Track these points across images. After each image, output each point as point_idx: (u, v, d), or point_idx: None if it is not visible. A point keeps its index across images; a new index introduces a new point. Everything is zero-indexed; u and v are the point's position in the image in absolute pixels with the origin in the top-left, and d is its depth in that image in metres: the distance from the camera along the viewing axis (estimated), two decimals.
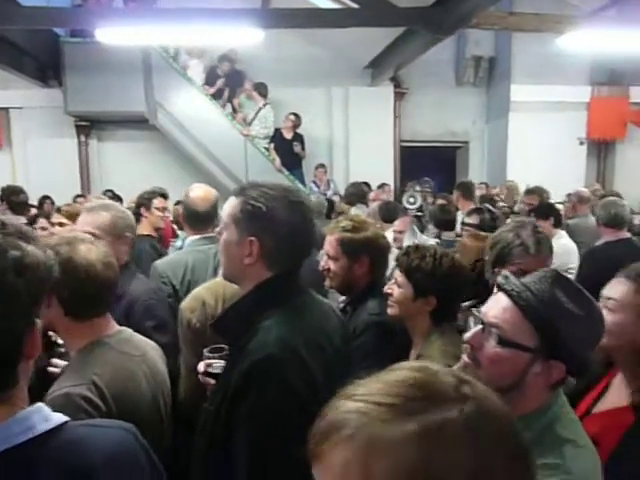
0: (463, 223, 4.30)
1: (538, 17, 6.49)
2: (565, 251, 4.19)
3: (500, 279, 1.21)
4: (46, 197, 7.18)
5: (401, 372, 0.65)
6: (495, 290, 1.24)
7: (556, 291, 1.15)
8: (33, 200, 6.46)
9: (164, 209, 3.60)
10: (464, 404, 0.62)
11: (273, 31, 6.51)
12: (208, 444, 1.35)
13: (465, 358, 1.19)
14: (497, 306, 1.18)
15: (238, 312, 1.42)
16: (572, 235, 4.58)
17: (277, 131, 8.61)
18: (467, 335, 1.20)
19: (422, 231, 4.35)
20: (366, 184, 7.17)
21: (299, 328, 1.36)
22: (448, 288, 1.90)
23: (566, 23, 6.06)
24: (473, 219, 4.21)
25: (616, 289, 1.49)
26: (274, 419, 1.24)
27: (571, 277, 3.72)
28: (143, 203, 3.54)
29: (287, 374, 1.26)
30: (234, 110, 8.73)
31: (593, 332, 1.18)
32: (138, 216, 3.53)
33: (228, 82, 8.75)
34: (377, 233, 2.28)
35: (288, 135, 8.56)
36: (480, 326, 1.19)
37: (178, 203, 4.37)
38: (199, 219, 2.60)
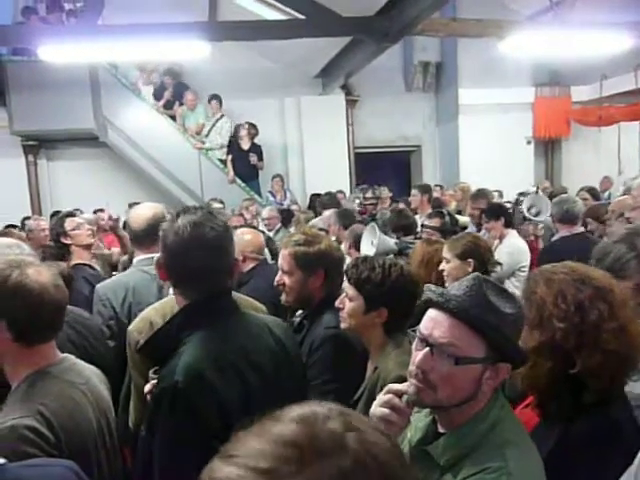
0: (423, 225, 4.36)
1: (480, 23, 6.68)
2: (516, 250, 4.29)
3: (433, 295, 1.18)
4: (11, 226, 6.84)
5: (281, 426, 0.62)
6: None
7: (489, 296, 1.16)
8: None
9: (79, 225, 3.39)
10: (340, 459, 0.59)
11: (223, 44, 6.50)
12: (144, 468, 1.35)
13: (416, 383, 1.16)
14: (441, 325, 1.15)
15: (163, 336, 1.45)
16: (523, 234, 4.71)
17: (234, 142, 8.59)
18: (416, 360, 1.16)
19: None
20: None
21: (212, 352, 1.35)
22: (399, 299, 1.86)
23: (507, 28, 6.25)
24: (434, 222, 4.28)
25: None
26: (181, 447, 1.24)
27: (523, 275, 3.79)
28: (58, 232, 3.35)
29: (192, 401, 1.26)
30: (174, 119, 8.66)
31: (522, 326, 1.22)
32: (64, 248, 3.35)
33: (175, 95, 8.70)
34: (331, 245, 2.29)
35: (245, 146, 8.56)
36: (427, 348, 1.15)
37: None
38: (138, 238, 2.53)
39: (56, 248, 3.39)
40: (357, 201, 5.49)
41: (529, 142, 9.60)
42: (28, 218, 6.72)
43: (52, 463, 0.99)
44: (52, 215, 7.90)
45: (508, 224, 4.45)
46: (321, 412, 0.63)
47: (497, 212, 4.50)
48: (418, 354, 1.16)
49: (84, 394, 1.55)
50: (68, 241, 3.36)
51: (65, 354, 1.61)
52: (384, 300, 1.87)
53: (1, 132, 8.21)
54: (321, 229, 4.47)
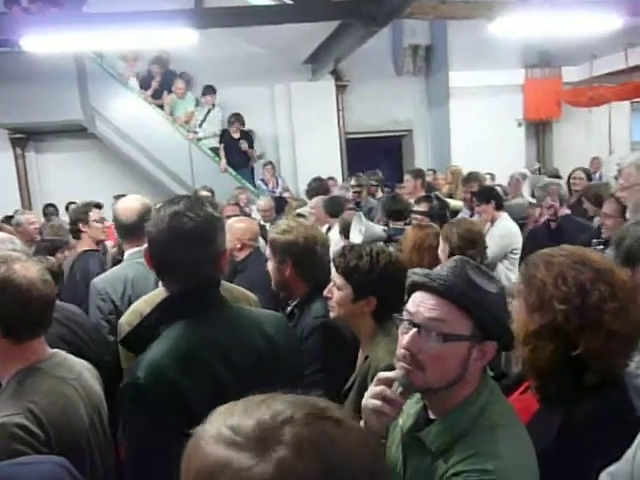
0: (412, 211, 4.37)
1: (469, 5, 6.62)
2: (508, 232, 4.30)
3: (418, 277, 1.20)
4: (9, 217, 6.79)
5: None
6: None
7: (472, 275, 1.18)
8: None
9: (102, 220, 3.49)
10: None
11: (211, 31, 6.43)
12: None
13: (404, 365, 1.17)
14: (426, 305, 1.17)
15: (142, 329, 1.42)
16: (513, 215, 4.71)
17: (225, 132, 8.58)
18: (404, 342, 1.17)
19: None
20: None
21: (179, 347, 1.31)
22: (388, 287, 1.82)
23: (496, 9, 6.20)
24: (422, 207, 4.28)
25: None
26: (144, 443, 1.23)
27: (516, 258, 3.81)
28: (80, 218, 3.42)
29: (151, 399, 1.23)
30: (162, 108, 8.61)
31: (506, 307, 1.24)
32: (77, 232, 3.43)
33: (163, 84, 8.62)
34: (303, 236, 2.26)
35: (235, 135, 8.55)
36: (414, 329, 1.16)
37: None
38: (127, 231, 2.51)
39: (49, 242, 3.39)
40: (350, 189, 5.49)
41: (520, 124, 9.58)
42: (11, 217, 6.65)
43: (42, 460, 0.99)
44: (45, 207, 7.88)
45: (499, 207, 4.45)
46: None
47: (487, 195, 4.51)
48: (405, 336, 1.17)
49: (75, 389, 1.54)
50: (85, 229, 3.40)
51: (55, 350, 1.60)
52: (373, 288, 1.85)
53: None
54: (299, 215, 4.47)
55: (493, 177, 7.50)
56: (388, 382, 1.18)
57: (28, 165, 8.98)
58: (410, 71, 9.80)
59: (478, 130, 8.95)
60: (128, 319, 1.92)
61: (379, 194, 6.72)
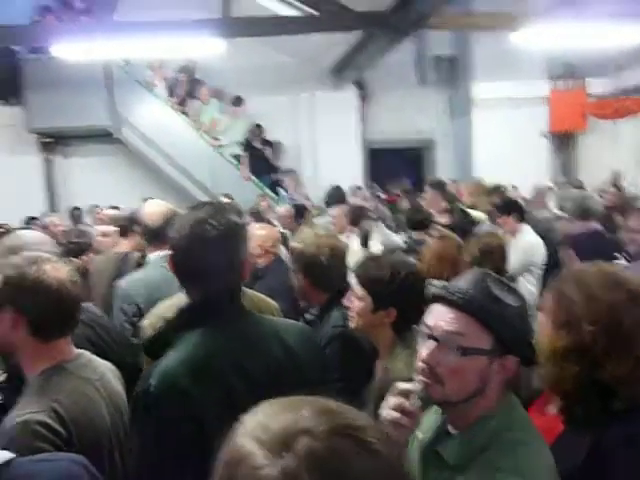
0: (434, 222, 4.36)
1: (493, 16, 6.61)
2: (530, 246, 4.24)
3: (437, 290, 1.19)
4: (33, 218, 6.94)
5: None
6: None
7: (493, 289, 1.17)
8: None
9: None
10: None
11: (236, 40, 6.52)
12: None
13: (422, 378, 1.15)
14: (445, 317, 1.15)
15: (162, 335, 1.42)
16: (537, 228, 4.66)
17: (247, 141, 8.71)
18: (423, 355, 1.16)
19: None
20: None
21: (193, 357, 1.30)
22: (408, 298, 1.80)
23: (520, 20, 6.19)
24: (445, 219, 4.28)
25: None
26: (151, 451, 1.22)
27: (539, 272, 3.76)
28: (136, 220, 3.46)
29: (162, 407, 1.22)
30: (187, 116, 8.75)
31: (528, 321, 1.22)
32: (126, 232, 3.47)
33: (190, 92, 8.74)
34: (315, 246, 2.33)
35: (258, 145, 8.69)
36: (433, 342, 1.15)
37: None
38: (152, 234, 2.54)
39: (75, 244, 3.44)
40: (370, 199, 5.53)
41: (544, 136, 9.49)
42: (34, 218, 6.80)
43: (61, 457, 1.00)
44: (72, 210, 8.04)
45: (521, 219, 4.41)
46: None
47: (509, 207, 4.47)
48: (424, 349, 1.16)
49: (98, 390, 1.56)
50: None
51: (81, 350, 1.63)
52: (393, 299, 1.83)
53: (18, 129, 8.31)
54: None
55: (516, 189, 7.45)
56: (406, 394, 1.17)
57: (55, 169, 9.15)
58: (433, 82, 9.78)
59: (501, 141, 8.88)
60: (150, 322, 1.94)
61: (404, 204, 6.71)
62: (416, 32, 6.59)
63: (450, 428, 1.21)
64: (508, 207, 4.45)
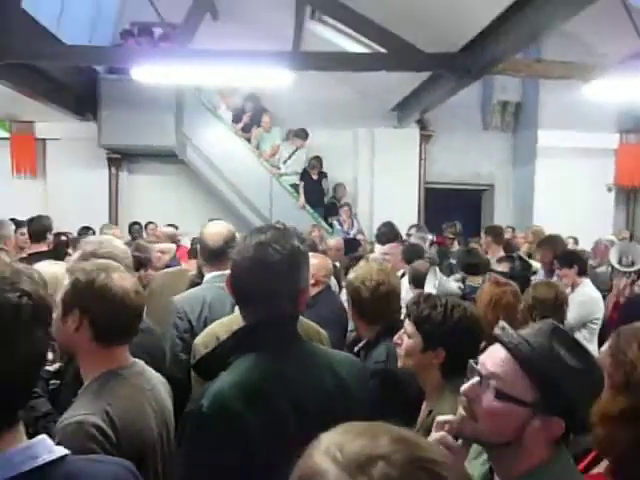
0: (491, 270, 4.25)
1: (565, 65, 6.54)
2: (589, 300, 4.09)
3: (497, 330, 1.18)
4: (87, 228, 7.24)
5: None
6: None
7: (554, 344, 1.12)
8: (65, 229, 6.62)
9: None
10: None
11: (302, 73, 6.67)
12: None
13: (461, 411, 1.16)
14: (495, 358, 1.15)
15: (215, 355, 1.41)
16: (597, 283, 4.49)
17: (305, 172, 8.86)
18: (464, 387, 1.16)
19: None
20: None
21: (248, 381, 1.28)
22: (459, 341, 1.79)
23: (593, 71, 6.09)
24: (503, 267, 4.16)
25: None
26: (198, 472, 1.21)
27: (596, 328, 3.63)
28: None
29: (213, 429, 1.21)
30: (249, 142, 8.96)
31: (592, 387, 1.14)
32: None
33: (254, 119, 8.99)
34: (358, 280, 2.42)
35: (315, 176, 8.85)
36: (477, 378, 1.15)
37: (196, 240, 4.41)
38: (212, 255, 2.59)
39: (135, 258, 3.54)
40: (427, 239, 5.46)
41: (610, 189, 9.21)
42: (88, 228, 7.06)
43: (112, 460, 1.01)
44: (131, 225, 8.32)
45: (582, 272, 4.26)
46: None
47: (571, 259, 4.32)
48: (468, 382, 1.16)
49: (149, 400, 1.59)
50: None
51: (136, 359, 1.66)
52: (443, 340, 1.81)
53: (90, 144, 8.72)
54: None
55: (576, 241, 7.22)
56: (446, 427, 1.17)
57: (120, 184, 9.52)
58: (497, 126, 9.71)
59: (564, 191, 8.68)
60: (203, 340, 1.96)
61: (455, 246, 6.60)
62: (483, 76, 6.56)
63: (496, 479, 1.17)
64: (570, 259, 4.30)
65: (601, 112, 8.24)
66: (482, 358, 1.17)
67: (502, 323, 1.20)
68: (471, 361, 1.20)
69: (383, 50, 6.42)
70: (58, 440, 1.27)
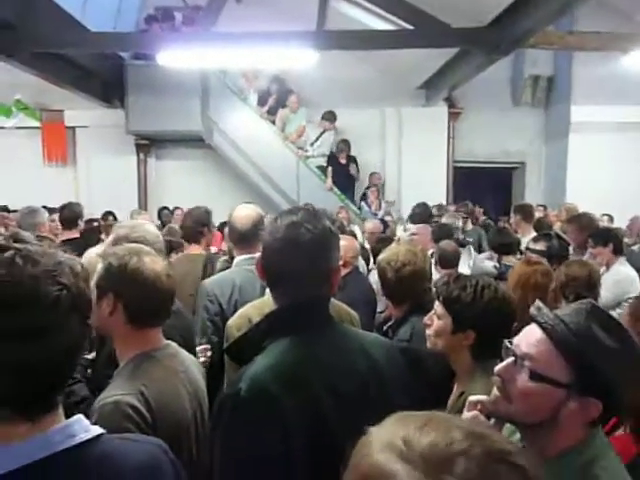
0: (528, 249, 4.17)
1: (600, 36, 6.29)
2: (624, 278, 3.98)
3: (533, 310, 1.16)
4: (109, 212, 7.45)
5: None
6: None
7: (592, 324, 1.10)
8: (96, 215, 6.74)
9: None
10: None
11: (327, 52, 6.58)
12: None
13: (495, 391, 1.15)
14: (530, 338, 1.13)
15: (248, 339, 1.41)
16: (632, 262, 4.36)
17: (333, 156, 8.80)
18: (498, 367, 1.15)
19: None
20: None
21: (284, 365, 1.28)
22: (489, 322, 1.75)
23: (631, 41, 5.85)
24: (540, 245, 4.06)
25: None
26: (237, 456, 1.21)
27: None
28: (206, 222, 3.54)
29: (252, 412, 1.21)
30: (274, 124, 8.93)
31: (631, 368, 1.10)
32: (199, 235, 3.53)
33: (279, 101, 8.94)
34: (385, 260, 2.50)
35: (342, 160, 8.77)
36: (512, 358, 1.14)
37: (224, 224, 4.42)
38: (241, 238, 2.60)
39: (167, 242, 3.59)
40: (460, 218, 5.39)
41: None
42: (110, 213, 7.19)
43: (146, 440, 1.03)
44: (160, 210, 8.43)
45: (617, 251, 4.13)
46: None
47: (605, 237, 4.20)
48: (502, 362, 1.16)
49: (183, 382, 1.60)
50: (206, 233, 3.55)
51: (169, 341, 1.67)
52: (473, 322, 1.77)
53: (119, 131, 8.81)
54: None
55: (612, 219, 7.03)
56: (478, 405, 1.17)
57: (148, 169, 9.63)
58: (528, 102, 9.46)
59: (598, 168, 8.42)
60: (236, 323, 1.95)
61: (469, 226, 6.52)
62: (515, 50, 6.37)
63: None
64: (605, 237, 4.18)
65: (638, 84, 7.95)
66: (517, 339, 1.16)
67: (538, 303, 1.18)
68: (506, 341, 1.18)
69: (409, 26, 6.28)
70: (95, 420, 1.32)
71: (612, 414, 1.14)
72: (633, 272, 4.07)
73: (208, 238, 3.61)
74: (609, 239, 4.17)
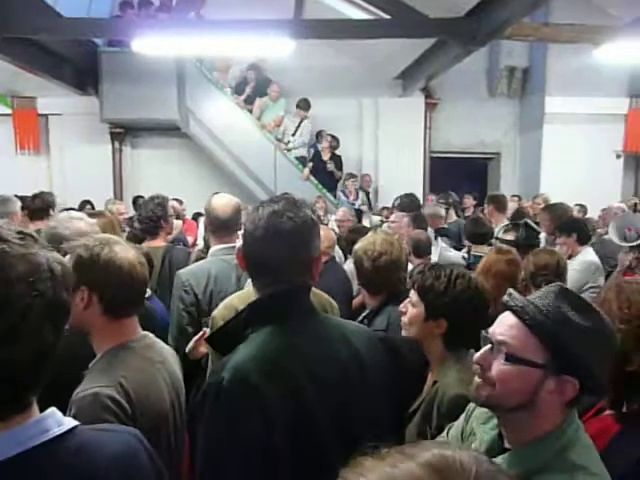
0: (497, 239, 4.23)
1: (574, 28, 6.37)
2: (586, 268, 4.03)
3: (505, 297, 1.20)
4: (86, 202, 7.33)
5: (416, 470, 0.58)
6: None
7: (561, 304, 1.14)
8: (70, 204, 6.63)
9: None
10: None
11: (304, 42, 6.56)
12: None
13: (477, 379, 1.19)
14: (504, 324, 1.17)
15: (230, 329, 1.41)
16: (602, 250, 4.43)
17: (316, 152, 8.76)
18: (476, 355, 1.20)
19: None
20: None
21: (265, 354, 1.29)
22: (460, 311, 1.79)
23: (603, 34, 5.94)
24: (509, 235, 4.13)
25: None
26: (216, 442, 1.22)
27: (591, 296, 3.65)
28: (161, 215, 3.46)
29: (234, 402, 1.22)
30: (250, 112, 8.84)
31: (603, 346, 1.15)
32: (156, 228, 3.46)
33: (257, 90, 8.87)
34: (360, 250, 2.49)
35: (325, 157, 8.73)
36: (489, 345, 1.18)
37: (199, 214, 4.35)
38: (222, 225, 2.59)
39: (139, 231, 3.53)
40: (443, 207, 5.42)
41: (619, 156, 9.07)
42: (87, 202, 7.09)
43: (121, 429, 1.02)
44: (135, 199, 8.32)
45: (582, 241, 4.20)
46: (454, 458, 0.59)
47: (570, 227, 4.27)
48: (480, 350, 1.20)
49: (160, 372, 1.60)
50: (164, 225, 3.48)
51: (146, 332, 1.66)
52: (444, 311, 1.81)
53: (93, 119, 8.64)
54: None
55: (584, 209, 7.15)
56: None
57: (123, 158, 9.49)
58: (504, 93, 9.55)
59: (572, 159, 8.55)
60: (222, 313, 1.94)
61: (452, 217, 6.56)
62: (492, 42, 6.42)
63: (506, 443, 1.20)
64: (570, 227, 4.26)
65: (611, 76, 8.10)
66: (492, 327, 1.20)
67: (510, 290, 1.22)
68: (482, 331, 1.22)
69: (387, 16, 6.28)
70: (74, 412, 1.32)
71: (589, 393, 1.18)
72: (597, 262, 4.13)
73: (166, 229, 3.53)
74: (573, 229, 4.25)
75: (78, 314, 1.50)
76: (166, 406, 1.58)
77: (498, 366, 1.15)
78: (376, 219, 6.44)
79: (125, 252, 1.56)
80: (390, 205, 6.73)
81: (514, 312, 1.16)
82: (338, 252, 4.26)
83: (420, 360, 1.91)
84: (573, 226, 4.30)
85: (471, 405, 1.37)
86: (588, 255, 4.15)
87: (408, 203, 5.85)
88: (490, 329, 1.20)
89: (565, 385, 1.11)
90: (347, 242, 4.32)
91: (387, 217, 6.91)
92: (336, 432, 1.29)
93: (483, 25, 5.74)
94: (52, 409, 0.88)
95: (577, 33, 6.30)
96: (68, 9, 6.66)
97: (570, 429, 1.13)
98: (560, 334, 1.10)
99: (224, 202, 2.63)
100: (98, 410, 1.36)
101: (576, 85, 8.27)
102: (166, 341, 2.08)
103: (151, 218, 3.42)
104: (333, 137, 8.78)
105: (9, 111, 9.15)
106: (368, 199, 8.95)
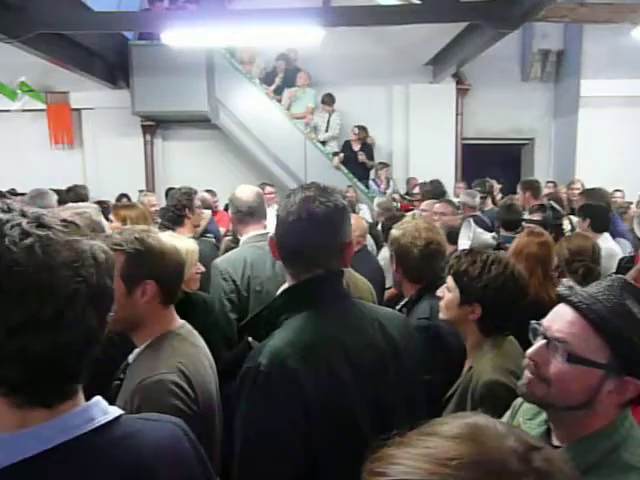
0: (525, 220, 4.17)
1: (612, 7, 6.15)
2: (606, 255, 3.92)
3: (563, 290, 1.13)
4: (123, 195, 7.43)
5: (448, 443, 0.56)
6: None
7: (627, 301, 1.07)
8: (103, 197, 6.73)
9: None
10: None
11: (333, 29, 6.50)
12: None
13: (528, 374, 1.13)
14: (562, 319, 1.10)
15: (266, 315, 1.41)
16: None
17: (347, 143, 8.71)
18: (530, 351, 1.13)
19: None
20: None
21: (302, 339, 1.29)
22: (494, 297, 1.79)
23: None
24: (536, 216, 4.10)
25: None
26: (254, 426, 1.23)
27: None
28: (186, 204, 3.52)
29: (272, 386, 1.22)
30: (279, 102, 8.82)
31: None
32: (181, 218, 3.51)
33: (286, 80, 8.84)
34: (408, 238, 2.41)
35: (356, 147, 8.68)
36: (543, 341, 1.11)
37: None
38: (249, 212, 2.65)
39: (166, 220, 3.57)
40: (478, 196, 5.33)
41: None
42: (124, 195, 7.19)
43: (165, 419, 1.01)
44: (167, 191, 8.41)
45: (596, 228, 4.07)
46: (490, 429, 0.58)
47: (586, 213, 4.17)
48: (534, 346, 1.13)
49: (206, 357, 1.62)
50: (190, 215, 3.52)
51: (183, 320, 1.67)
52: (479, 296, 1.81)
53: (124, 112, 8.76)
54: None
55: (621, 193, 6.94)
56: None
57: (155, 151, 9.60)
58: (538, 77, 9.31)
59: (608, 143, 8.32)
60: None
61: (489, 205, 6.43)
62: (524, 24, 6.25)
63: (554, 440, 1.14)
64: (586, 212, 4.16)
65: None
66: (547, 320, 1.13)
67: (569, 282, 1.16)
68: (533, 323, 1.16)
69: (417, 1, 6.18)
70: (139, 401, 1.33)
71: None
72: (613, 249, 3.98)
73: (193, 220, 3.56)
74: (587, 215, 4.14)
75: (137, 308, 1.50)
76: (215, 391, 1.60)
77: (556, 365, 1.08)
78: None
79: (171, 239, 1.59)
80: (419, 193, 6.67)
81: (576, 308, 1.08)
82: (370, 241, 4.24)
83: (464, 347, 1.92)
84: (587, 211, 4.20)
85: (518, 400, 1.32)
86: (607, 241, 4.03)
87: (432, 190, 5.79)
88: (545, 322, 1.13)
89: (627, 386, 1.06)
90: (383, 230, 4.31)
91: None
92: (372, 417, 1.30)
93: (516, 7, 5.59)
94: (97, 398, 0.88)
95: (615, 12, 6.09)
96: (98, 3, 6.73)
97: (622, 428, 1.09)
98: (625, 332, 1.04)
99: (247, 189, 2.73)
100: (165, 395, 1.37)
101: (613, 67, 8.01)
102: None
103: (176, 206, 3.46)
104: (360, 127, 8.66)
105: (44, 107, 9.33)
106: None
